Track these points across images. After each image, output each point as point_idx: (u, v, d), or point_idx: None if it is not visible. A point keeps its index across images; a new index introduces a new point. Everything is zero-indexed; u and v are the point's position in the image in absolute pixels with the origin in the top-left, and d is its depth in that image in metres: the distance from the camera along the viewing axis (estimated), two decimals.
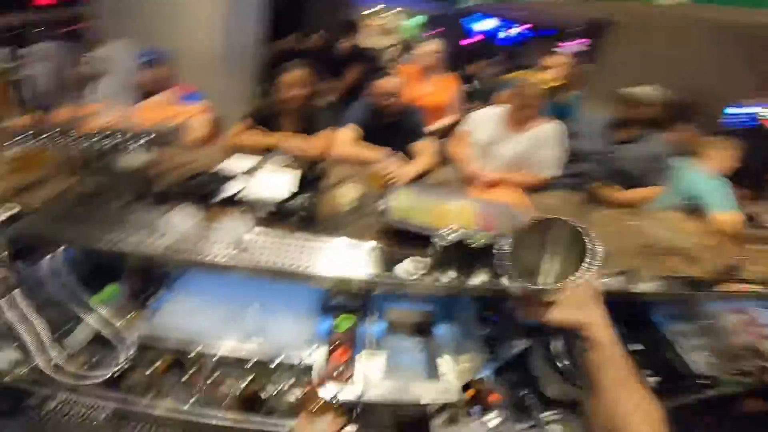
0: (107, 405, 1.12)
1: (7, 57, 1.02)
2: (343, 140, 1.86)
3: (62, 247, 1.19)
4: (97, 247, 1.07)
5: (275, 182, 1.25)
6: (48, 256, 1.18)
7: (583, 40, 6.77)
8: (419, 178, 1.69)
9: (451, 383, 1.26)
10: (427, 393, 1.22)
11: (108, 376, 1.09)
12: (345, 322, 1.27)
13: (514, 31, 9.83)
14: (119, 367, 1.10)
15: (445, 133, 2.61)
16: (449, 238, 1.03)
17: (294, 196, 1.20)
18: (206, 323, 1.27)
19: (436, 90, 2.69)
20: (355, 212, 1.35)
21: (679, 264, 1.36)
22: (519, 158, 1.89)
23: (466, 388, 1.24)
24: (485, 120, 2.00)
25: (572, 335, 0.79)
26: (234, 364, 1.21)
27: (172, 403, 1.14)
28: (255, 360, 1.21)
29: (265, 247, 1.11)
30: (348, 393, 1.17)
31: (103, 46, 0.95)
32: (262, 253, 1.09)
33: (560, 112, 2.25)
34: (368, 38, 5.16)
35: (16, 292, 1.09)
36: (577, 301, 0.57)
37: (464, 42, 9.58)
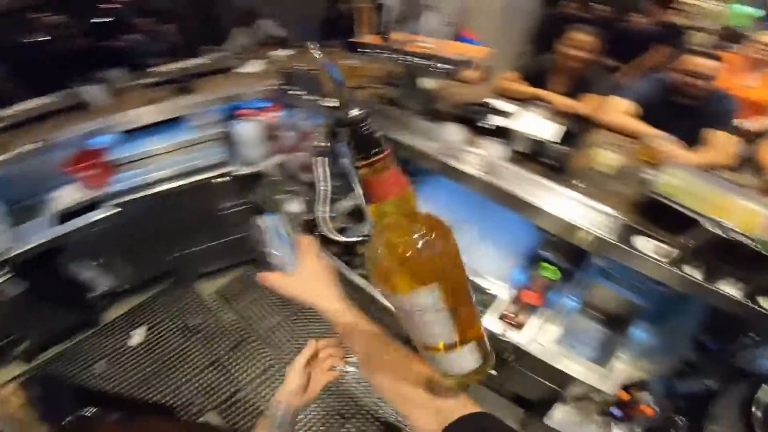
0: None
1: None
2: (617, 108, 1.68)
3: None
4: (390, 141, 1.40)
5: (539, 125, 1.28)
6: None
7: None
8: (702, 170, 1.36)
9: (614, 375, 1.17)
10: (584, 372, 1.18)
11: (351, 240, 1.49)
12: (549, 272, 1.26)
13: None
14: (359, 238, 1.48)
15: (759, 135, 1.98)
16: (727, 232, 0.84)
17: (553, 143, 1.20)
18: None
19: (763, 86, 2.08)
20: (608, 177, 1.24)
21: None
22: None
23: (625, 389, 1.14)
24: None
25: None
26: None
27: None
28: None
29: (511, 176, 1.19)
30: (515, 336, 1.23)
31: None
32: (507, 179, 1.18)
33: None
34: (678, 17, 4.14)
35: (324, 159, 1.56)
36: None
37: None
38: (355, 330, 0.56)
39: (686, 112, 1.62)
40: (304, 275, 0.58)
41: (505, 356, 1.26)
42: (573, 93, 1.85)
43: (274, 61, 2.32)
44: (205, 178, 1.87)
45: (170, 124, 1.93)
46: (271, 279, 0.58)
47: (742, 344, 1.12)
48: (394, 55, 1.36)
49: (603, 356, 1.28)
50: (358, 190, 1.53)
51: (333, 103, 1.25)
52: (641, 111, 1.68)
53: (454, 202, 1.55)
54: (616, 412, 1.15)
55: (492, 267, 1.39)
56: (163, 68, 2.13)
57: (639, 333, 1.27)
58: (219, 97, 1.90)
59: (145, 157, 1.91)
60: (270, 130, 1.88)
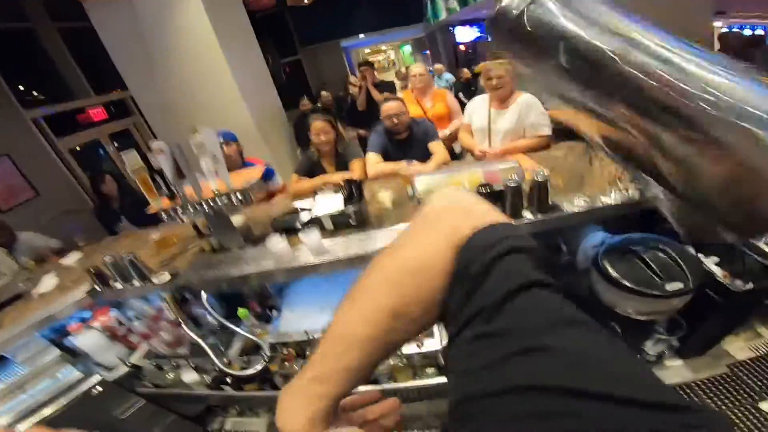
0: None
1: (136, 156, 1.46)
2: (371, 163, 2.31)
3: (204, 293, 1.67)
4: (229, 280, 1.55)
5: (329, 203, 1.69)
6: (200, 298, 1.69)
7: None
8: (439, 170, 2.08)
9: None
10: None
11: (260, 369, 1.56)
12: None
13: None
14: (265, 363, 1.56)
15: (453, 135, 3.03)
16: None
17: (345, 208, 1.63)
18: (315, 319, 1.71)
19: (435, 103, 3.16)
20: (395, 208, 1.75)
21: None
22: (513, 129, 2.24)
23: None
24: (477, 108, 2.40)
25: None
26: None
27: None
28: None
29: (338, 246, 1.54)
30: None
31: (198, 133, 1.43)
32: (337, 250, 1.51)
33: None
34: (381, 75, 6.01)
35: (185, 326, 1.59)
36: None
37: (460, 49, 10.10)
38: None
39: (407, 142, 2.39)
40: None
41: None
42: (342, 165, 2.42)
43: (67, 271, 2.12)
44: (76, 398, 1.61)
45: None
46: None
47: (563, 250, 1.58)
48: (192, 209, 1.54)
49: None
50: (238, 330, 1.64)
51: (163, 279, 1.36)
52: (384, 154, 2.37)
53: (315, 295, 1.83)
54: None
55: None
56: None
57: None
58: (30, 326, 1.63)
59: None
60: (113, 331, 1.74)
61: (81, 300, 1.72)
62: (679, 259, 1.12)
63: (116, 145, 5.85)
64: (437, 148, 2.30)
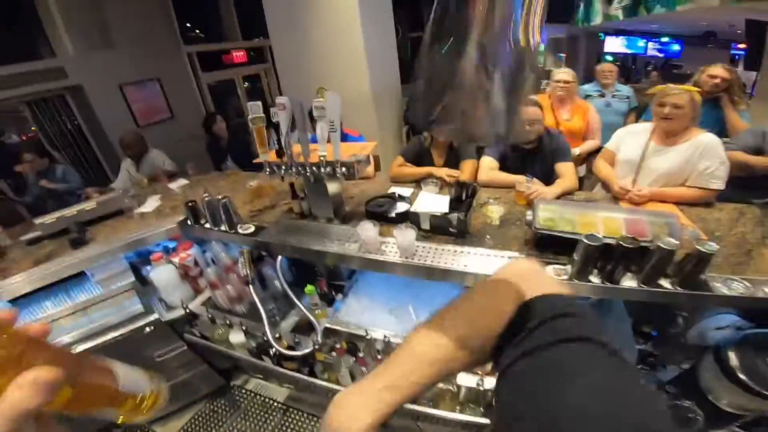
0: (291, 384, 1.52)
1: (260, 108, 1.46)
2: (485, 167, 2.04)
3: (280, 256, 1.66)
4: (308, 252, 1.49)
5: (433, 202, 1.51)
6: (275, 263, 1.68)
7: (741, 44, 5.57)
8: (561, 197, 1.75)
9: None
10: None
11: (307, 352, 1.48)
12: None
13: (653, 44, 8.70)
14: (314, 348, 1.48)
15: (586, 156, 2.58)
16: (598, 241, 1.09)
17: (448, 213, 1.43)
18: (377, 316, 1.59)
19: (573, 116, 2.71)
20: (501, 226, 1.50)
21: None
22: (675, 172, 1.76)
23: None
24: (632, 135, 1.95)
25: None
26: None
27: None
28: None
29: (425, 252, 1.36)
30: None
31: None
32: (423, 256, 1.34)
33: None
34: None
35: (251, 286, 1.56)
36: None
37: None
38: None
39: (532, 154, 2.05)
40: None
41: None
42: (452, 161, 2.20)
43: (171, 196, 2.31)
44: (128, 332, 1.67)
45: (71, 282, 1.74)
46: None
47: (679, 323, 1.33)
48: (295, 169, 1.49)
49: None
50: (299, 304, 1.58)
51: (248, 230, 1.31)
52: (501, 163, 2.08)
53: (386, 291, 1.69)
54: None
55: None
56: (47, 219, 1.95)
57: None
58: (120, 246, 1.77)
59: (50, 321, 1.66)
60: (186, 270, 1.81)
61: (171, 229, 1.81)
62: None
63: (246, 85, 6.42)
64: (567, 170, 1.94)
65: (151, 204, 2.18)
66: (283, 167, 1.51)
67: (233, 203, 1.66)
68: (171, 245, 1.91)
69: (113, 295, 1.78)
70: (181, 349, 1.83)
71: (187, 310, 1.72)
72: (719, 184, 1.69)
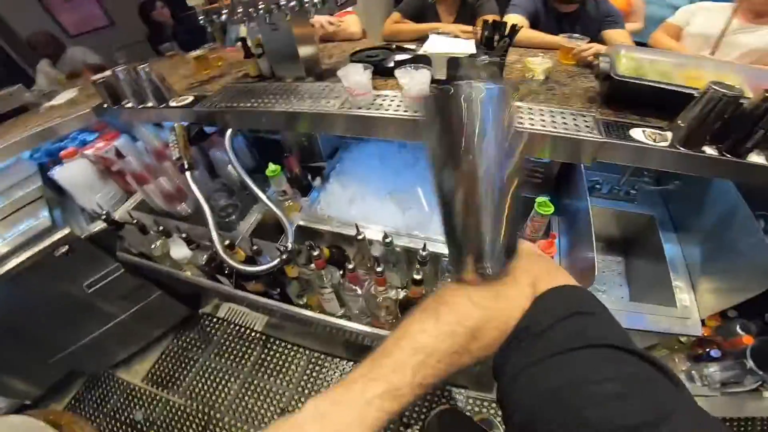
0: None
1: None
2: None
3: (230, 130, 1.14)
4: (268, 118, 1.01)
5: (451, 44, 1.02)
6: (224, 137, 1.15)
7: None
8: None
9: (691, 313, 0.93)
10: (662, 321, 0.91)
11: (273, 266, 1.00)
12: (545, 207, 0.96)
13: None
14: (281, 260, 1.01)
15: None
16: (722, 96, 0.67)
17: (476, 54, 0.95)
18: (367, 209, 1.16)
19: None
20: (547, 83, 1.05)
21: None
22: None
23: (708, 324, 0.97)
24: (705, 11, 1.68)
25: None
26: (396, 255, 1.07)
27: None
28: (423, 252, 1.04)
29: None
30: None
31: None
32: None
33: None
34: None
35: (193, 173, 1.09)
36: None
37: None
38: None
39: (571, 17, 1.59)
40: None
41: None
42: (465, 18, 1.68)
43: (91, 88, 1.73)
44: (41, 250, 1.20)
45: None
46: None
47: None
48: (245, 14, 0.97)
49: (653, 292, 1.05)
50: (259, 194, 1.11)
51: (183, 101, 0.76)
52: (533, 22, 1.60)
53: (381, 171, 1.25)
54: (714, 352, 0.99)
55: None
56: None
57: (672, 245, 1.07)
58: (19, 140, 1.28)
59: None
60: (106, 164, 1.31)
61: (84, 115, 1.31)
62: None
63: None
64: (622, 38, 1.51)
65: (65, 97, 1.62)
66: (224, 12, 0.98)
67: (160, 75, 1.15)
68: (90, 138, 1.41)
69: (16, 209, 1.30)
70: (116, 274, 1.40)
71: (104, 217, 1.19)
72: None
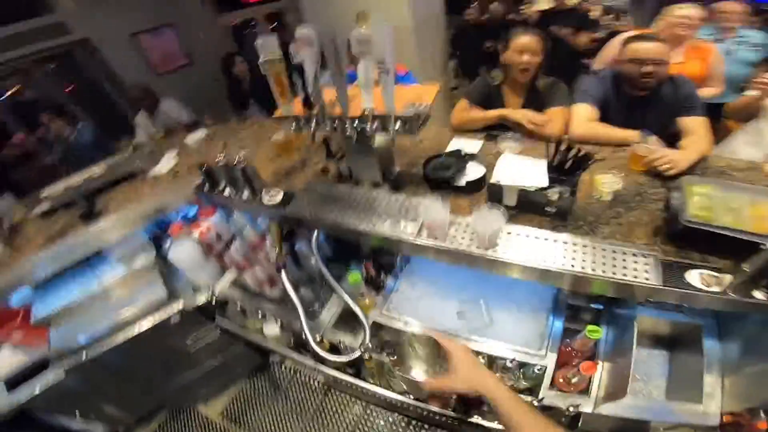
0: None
1: (275, 44, 1.06)
2: (581, 118, 1.54)
3: (316, 232, 1.31)
4: (351, 233, 1.15)
5: (520, 168, 1.09)
6: (311, 237, 1.33)
7: None
8: (694, 165, 1.24)
9: (712, 406, 0.96)
10: (679, 414, 0.96)
11: (353, 358, 1.17)
12: (595, 334, 1.03)
13: None
14: (361, 353, 1.16)
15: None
16: None
17: (550, 188, 1.01)
18: (434, 306, 1.27)
19: (688, 60, 2.11)
20: (614, 205, 1.08)
21: None
22: None
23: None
24: None
25: None
26: None
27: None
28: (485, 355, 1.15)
29: (512, 239, 0.98)
30: (582, 404, 1.01)
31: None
32: (508, 246, 0.97)
33: None
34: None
35: (285, 270, 1.26)
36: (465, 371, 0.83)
37: None
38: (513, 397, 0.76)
39: (645, 102, 1.53)
40: (464, 371, 0.83)
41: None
42: (531, 105, 1.69)
43: (188, 152, 2.01)
44: (159, 319, 1.46)
45: (88, 261, 1.56)
46: (436, 383, 0.88)
47: None
48: (330, 124, 1.11)
49: (687, 390, 1.07)
50: (344, 297, 1.26)
51: (274, 199, 0.93)
52: (602, 113, 1.57)
53: (449, 275, 1.34)
54: None
55: (518, 336, 1.18)
56: (54, 190, 1.76)
57: (714, 348, 1.09)
58: (136, 217, 1.54)
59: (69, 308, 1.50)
60: (210, 245, 1.51)
61: (187, 194, 1.53)
62: None
63: (270, 25, 5.71)
64: (699, 127, 1.40)
65: (166, 164, 1.89)
66: (314, 121, 1.14)
67: (253, 165, 1.33)
68: (191, 212, 1.65)
69: (135, 278, 1.56)
70: (214, 334, 1.63)
71: (214, 298, 1.46)
72: None
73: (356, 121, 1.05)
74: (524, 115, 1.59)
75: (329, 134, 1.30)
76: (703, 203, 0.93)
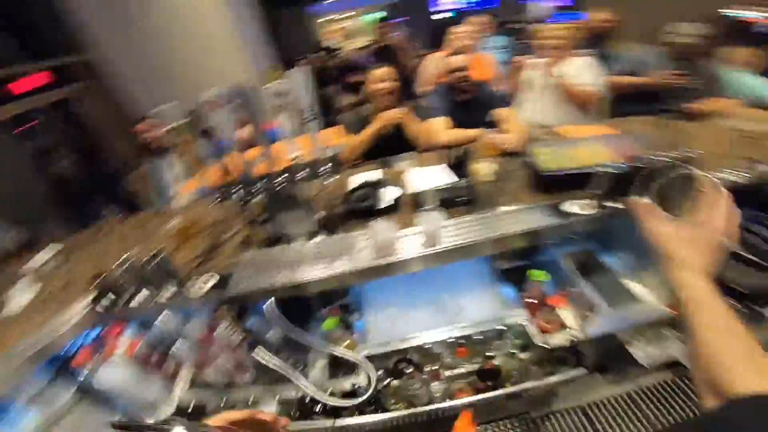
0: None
1: (177, 112, 1.05)
2: (441, 129, 1.96)
3: (270, 299, 1.28)
4: (313, 285, 1.14)
5: (429, 175, 1.33)
6: (264, 307, 1.28)
7: None
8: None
9: (653, 301, 1.24)
10: (636, 314, 1.21)
11: (367, 396, 1.16)
12: (539, 275, 1.32)
13: None
14: (373, 388, 1.18)
15: None
16: (615, 169, 1.08)
17: (458, 182, 1.28)
18: (405, 322, 1.36)
19: (474, 68, 2.82)
20: (496, 182, 1.42)
21: None
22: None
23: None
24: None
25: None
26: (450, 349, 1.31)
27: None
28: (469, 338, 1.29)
29: (449, 232, 1.19)
30: (566, 338, 1.22)
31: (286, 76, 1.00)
32: (449, 238, 1.16)
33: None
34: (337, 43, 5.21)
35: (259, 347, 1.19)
36: (691, 238, 0.57)
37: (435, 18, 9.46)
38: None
39: (470, 105, 2.03)
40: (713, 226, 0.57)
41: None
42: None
43: (41, 274, 1.58)
44: None
45: None
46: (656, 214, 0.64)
47: None
48: (262, 186, 1.12)
49: (623, 302, 1.27)
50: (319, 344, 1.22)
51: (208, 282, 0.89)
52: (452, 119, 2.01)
53: (397, 287, 1.47)
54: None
55: (487, 310, 1.38)
56: None
57: (615, 263, 1.39)
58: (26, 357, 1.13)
59: None
60: (144, 357, 1.25)
61: (79, 324, 1.22)
62: None
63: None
64: (510, 114, 1.98)
65: (22, 297, 1.43)
66: (238, 188, 1.12)
67: (167, 254, 1.19)
68: (92, 335, 1.30)
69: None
70: None
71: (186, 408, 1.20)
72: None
73: (286, 174, 1.09)
74: (395, 112, 1.89)
75: (247, 199, 1.27)
76: (548, 159, 1.34)
